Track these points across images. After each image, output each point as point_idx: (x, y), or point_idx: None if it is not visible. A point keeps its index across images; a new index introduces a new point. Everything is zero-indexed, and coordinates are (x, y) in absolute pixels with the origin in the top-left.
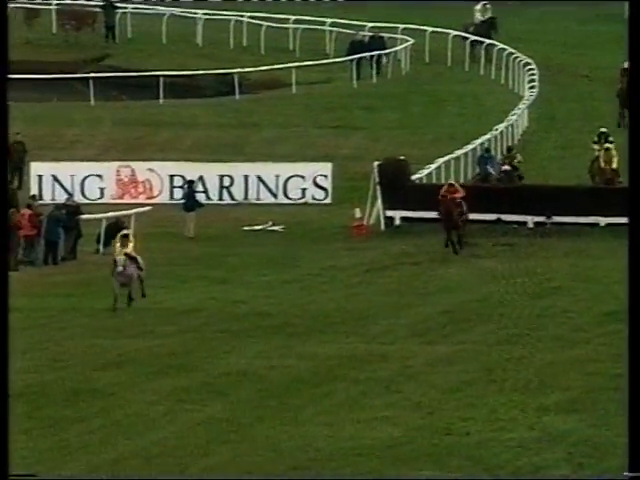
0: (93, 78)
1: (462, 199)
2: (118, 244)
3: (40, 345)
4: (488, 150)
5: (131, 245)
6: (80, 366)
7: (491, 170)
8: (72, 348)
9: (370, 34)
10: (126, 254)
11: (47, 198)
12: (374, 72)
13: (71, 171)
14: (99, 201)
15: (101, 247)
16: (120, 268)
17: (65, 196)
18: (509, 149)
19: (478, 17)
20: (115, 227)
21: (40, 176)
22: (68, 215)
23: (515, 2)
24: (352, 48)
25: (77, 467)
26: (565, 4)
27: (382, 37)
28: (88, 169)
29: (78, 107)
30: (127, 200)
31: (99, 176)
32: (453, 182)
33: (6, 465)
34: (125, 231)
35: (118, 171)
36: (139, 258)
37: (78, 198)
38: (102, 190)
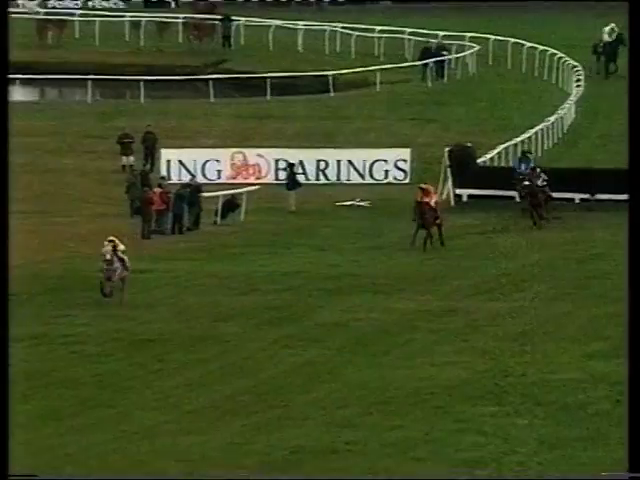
0: (212, 79)
1: (436, 203)
2: (109, 247)
3: (168, 301)
4: (528, 153)
5: (122, 247)
6: (201, 318)
7: (522, 169)
8: (194, 303)
9: (437, 41)
10: (115, 253)
11: (174, 179)
12: (445, 73)
13: (194, 156)
14: (217, 181)
15: (218, 219)
16: (108, 256)
17: (189, 177)
18: (533, 168)
19: (606, 38)
20: (230, 203)
21: (169, 160)
22: (191, 193)
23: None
24: (424, 54)
25: (199, 402)
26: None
27: (446, 46)
28: (208, 155)
29: (200, 103)
30: (240, 180)
31: (217, 160)
32: (424, 186)
33: (6, 465)
34: (111, 237)
35: (232, 156)
36: (126, 259)
37: (199, 179)
38: (219, 172)
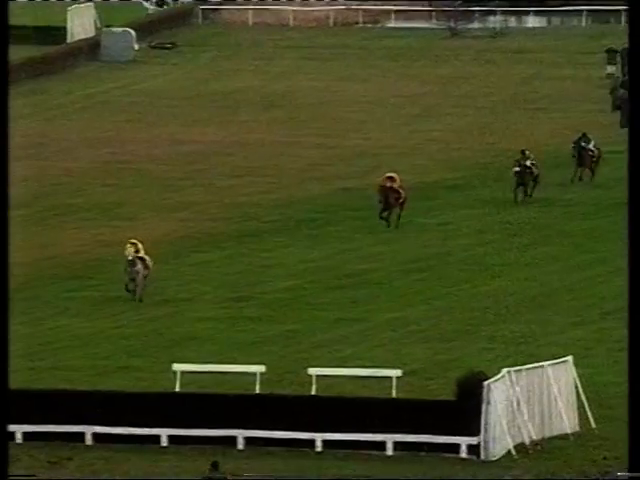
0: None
1: (400, 187)
2: (131, 249)
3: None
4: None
5: (142, 250)
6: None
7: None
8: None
9: None
10: (138, 255)
11: None
12: None
13: None
14: None
15: None
16: (130, 257)
17: None
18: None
19: None
20: None
21: None
22: None
23: None
24: None
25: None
26: None
27: None
28: None
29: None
30: None
31: None
32: (392, 175)
33: (6, 465)
34: (133, 240)
35: None
36: (147, 258)
37: None
38: None
